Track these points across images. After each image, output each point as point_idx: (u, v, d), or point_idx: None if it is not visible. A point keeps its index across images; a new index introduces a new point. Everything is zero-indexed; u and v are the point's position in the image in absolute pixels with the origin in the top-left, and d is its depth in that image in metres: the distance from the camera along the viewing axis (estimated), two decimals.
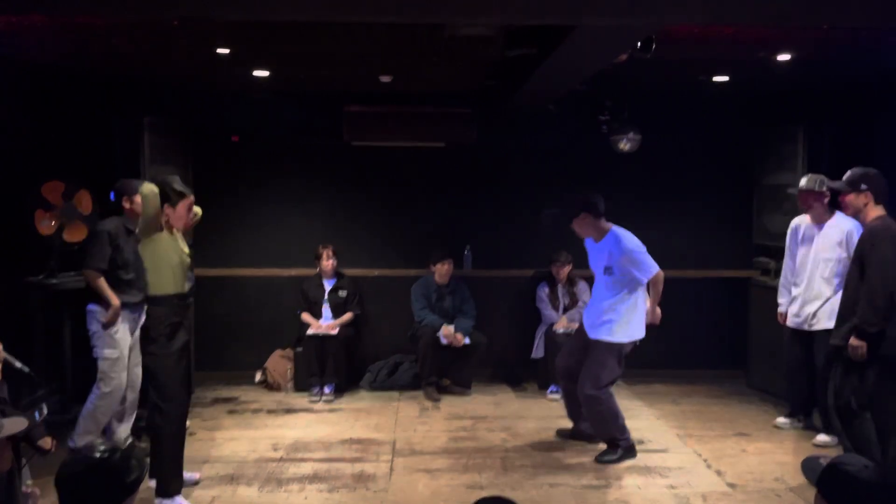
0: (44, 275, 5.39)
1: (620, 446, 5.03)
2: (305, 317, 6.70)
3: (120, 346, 4.81)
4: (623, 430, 5.06)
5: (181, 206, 4.26)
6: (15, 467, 3.16)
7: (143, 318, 4.99)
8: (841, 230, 5.25)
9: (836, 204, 5.10)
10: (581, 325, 5.28)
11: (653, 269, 4.95)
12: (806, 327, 5.41)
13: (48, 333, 5.51)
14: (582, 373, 5.03)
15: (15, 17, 4.24)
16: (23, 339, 5.17)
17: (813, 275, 5.37)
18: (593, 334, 5.04)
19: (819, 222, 5.37)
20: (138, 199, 4.79)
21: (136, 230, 4.27)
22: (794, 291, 5.53)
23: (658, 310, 5.11)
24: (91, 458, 2.17)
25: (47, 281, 5.37)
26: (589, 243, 5.18)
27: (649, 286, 5.04)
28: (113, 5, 3.59)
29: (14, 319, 5.29)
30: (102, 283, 4.72)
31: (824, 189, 5.24)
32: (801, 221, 5.53)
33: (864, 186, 4.44)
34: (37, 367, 3.81)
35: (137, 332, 5.00)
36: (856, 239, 5.02)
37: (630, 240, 4.96)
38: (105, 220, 4.89)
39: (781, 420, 5.74)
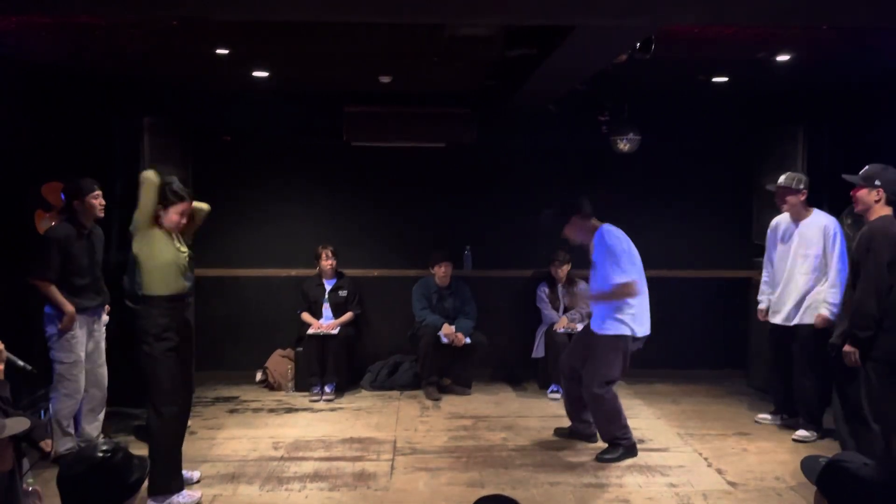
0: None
1: (622, 445, 5.04)
2: (305, 316, 6.70)
3: (76, 350, 4.82)
4: (625, 429, 5.07)
5: (173, 211, 4.15)
6: (16, 467, 3.16)
7: (104, 318, 5.04)
8: (819, 226, 5.37)
9: (818, 202, 5.24)
10: (587, 325, 5.29)
11: (625, 276, 4.84)
12: (787, 323, 5.49)
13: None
14: (586, 371, 5.03)
15: (15, 17, 4.24)
16: (23, 339, 5.16)
17: (793, 272, 5.47)
18: (596, 328, 5.06)
19: (797, 220, 5.48)
20: (88, 199, 4.80)
21: (132, 227, 4.19)
22: (776, 289, 5.62)
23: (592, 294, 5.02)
24: (93, 459, 2.17)
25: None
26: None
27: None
28: (113, 5, 3.59)
29: (14, 319, 5.28)
30: (54, 291, 4.73)
31: (801, 187, 5.40)
32: (781, 220, 5.64)
33: (878, 183, 4.44)
34: (37, 368, 3.80)
35: (101, 332, 5.05)
36: (833, 234, 5.30)
37: (614, 238, 4.94)
38: (55, 226, 4.86)
39: (763, 416, 5.86)
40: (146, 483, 4.09)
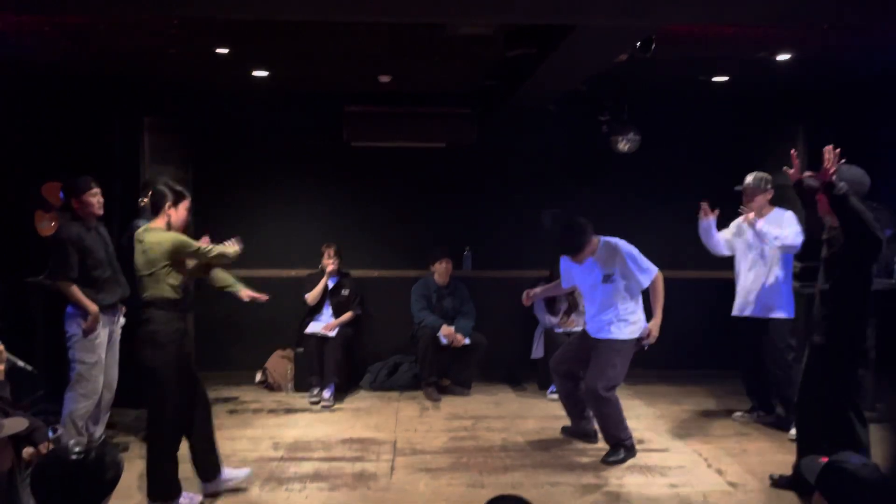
0: (44, 275, 5.39)
1: (624, 446, 5.03)
2: (309, 297, 6.65)
3: (98, 350, 4.76)
4: (627, 430, 5.06)
5: (181, 207, 4.21)
6: (16, 467, 3.16)
7: (121, 318, 4.97)
8: (778, 221, 5.46)
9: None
10: (583, 331, 5.28)
11: (654, 269, 5.00)
12: (759, 315, 5.52)
13: (48, 333, 5.51)
14: (592, 374, 5.00)
15: (15, 17, 4.24)
16: (23, 339, 5.17)
17: (758, 265, 5.57)
18: (601, 335, 5.04)
19: (760, 216, 5.59)
20: (85, 198, 4.73)
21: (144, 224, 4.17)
22: (742, 284, 5.67)
23: (657, 323, 5.00)
24: (66, 461, 2.15)
25: (47, 281, 5.37)
26: (570, 265, 5.13)
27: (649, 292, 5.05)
28: (113, 5, 3.60)
29: (14, 319, 5.29)
30: (76, 291, 4.67)
31: (768, 187, 5.55)
32: (740, 219, 5.73)
33: (842, 185, 4.02)
34: (37, 368, 3.80)
35: (118, 333, 4.99)
36: (790, 218, 5.42)
37: (624, 243, 4.98)
38: (63, 226, 4.81)
39: (738, 413, 5.91)
40: (146, 487, 4.11)
